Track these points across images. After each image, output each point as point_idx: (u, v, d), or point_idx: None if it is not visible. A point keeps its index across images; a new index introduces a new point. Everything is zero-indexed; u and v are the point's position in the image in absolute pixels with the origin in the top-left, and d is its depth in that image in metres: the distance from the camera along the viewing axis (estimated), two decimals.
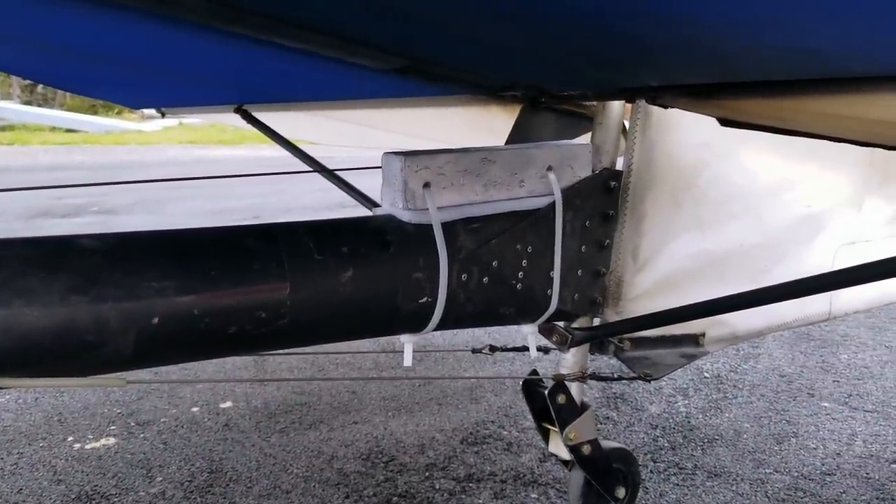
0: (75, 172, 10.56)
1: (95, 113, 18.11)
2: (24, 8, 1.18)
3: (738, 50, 0.89)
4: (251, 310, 1.04)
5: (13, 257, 0.92)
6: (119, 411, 2.76)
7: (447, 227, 1.22)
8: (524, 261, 1.32)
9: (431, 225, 1.20)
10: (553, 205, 1.34)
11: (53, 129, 16.40)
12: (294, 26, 1.07)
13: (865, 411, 2.86)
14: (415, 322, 1.23)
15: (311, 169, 2.31)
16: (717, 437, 2.62)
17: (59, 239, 0.99)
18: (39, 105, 19.63)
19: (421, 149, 1.27)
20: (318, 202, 7.64)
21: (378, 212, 1.27)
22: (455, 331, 3.11)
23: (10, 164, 11.52)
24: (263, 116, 2.64)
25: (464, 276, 1.24)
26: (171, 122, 15.77)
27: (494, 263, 1.28)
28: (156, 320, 0.96)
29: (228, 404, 2.83)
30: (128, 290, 0.95)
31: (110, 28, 1.26)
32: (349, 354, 3.32)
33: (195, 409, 2.79)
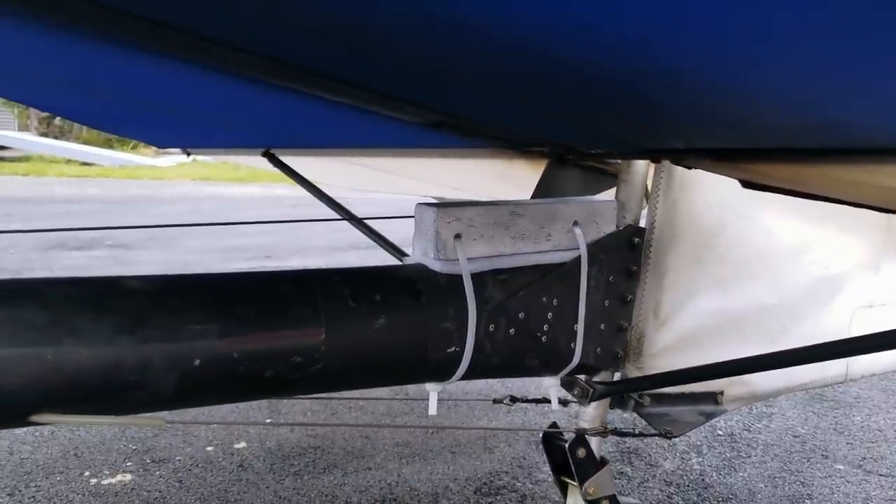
0: (90, 205, 10.68)
1: (111, 147, 18.32)
2: (61, 53, 1.23)
3: (759, 121, 0.93)
4: (288, 354, 1.06)
5: (64, 297, 0.95)
6: (135, 447, 2.76)
7: (476, 277, 1.24)
8: (549, 313, 1.34)
9: (461, 275, 1.22)
10: (578, 259, 1.36)
11: (69, 161, 16.58)
12: (334, 81, 1.11)
13: (880, 475, 2.84)
14: (442, 371, 1.25)
15: (339, 217, 2.35)
16: (731, 497, 2.60)
17: (107, 280, 1.02)
18: (56, 137, 19.92)
19: (449, 199, 1.30)
20: (330, 243, 7.68)
21: (408, 261, 1.30)
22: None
23: (28, 196, 11.67)
24: (290, 160, 2.68)
25: (491, 327, 1.26)
26: (184, 157, 15.91)
27: (521, 315, 1.30)
28: (197, 362, 0.99)
29: (243, 445, 2.83)
30: (172, 332, 0.98)
31: (143, 72, 1.30)
32: (362, 399, 3.32)
33: (210, 448, 2.79)
